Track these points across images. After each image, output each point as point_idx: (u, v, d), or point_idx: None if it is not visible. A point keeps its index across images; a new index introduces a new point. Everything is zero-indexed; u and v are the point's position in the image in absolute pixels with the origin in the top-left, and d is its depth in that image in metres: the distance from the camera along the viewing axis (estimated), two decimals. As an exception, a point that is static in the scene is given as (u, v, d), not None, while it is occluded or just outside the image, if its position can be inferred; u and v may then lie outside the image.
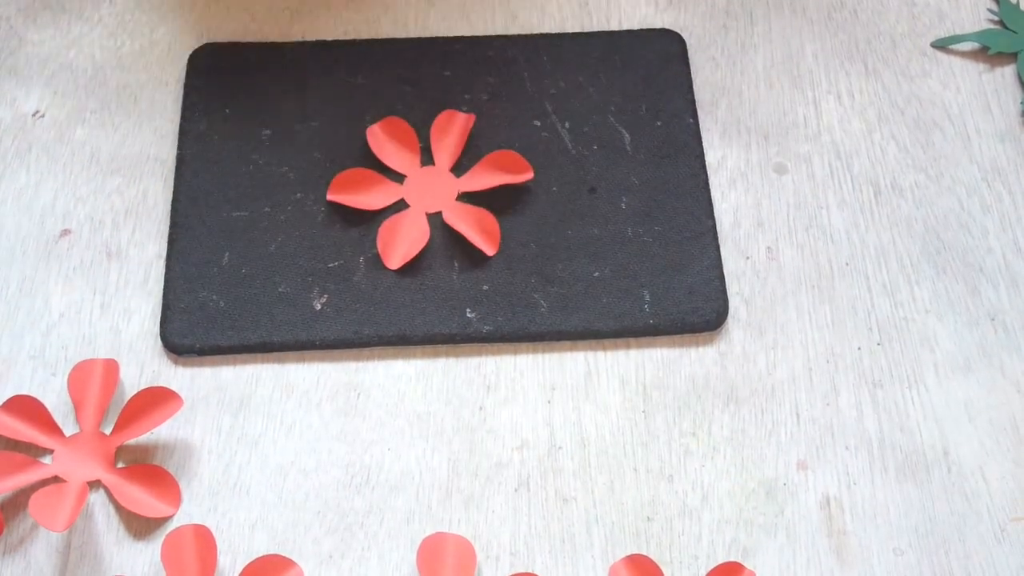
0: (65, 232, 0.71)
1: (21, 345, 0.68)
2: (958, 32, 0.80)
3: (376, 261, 0.70)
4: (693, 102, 0.76)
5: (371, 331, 0.68)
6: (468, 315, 0.68)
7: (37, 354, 0.67)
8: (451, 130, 0.73)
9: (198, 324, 0.68)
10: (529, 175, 0.71)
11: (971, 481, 0.64)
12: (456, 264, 0.70)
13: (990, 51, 0.79)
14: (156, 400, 0.64)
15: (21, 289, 0.69)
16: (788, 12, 0.81)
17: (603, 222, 0.72)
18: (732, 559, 0.62)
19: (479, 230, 0.70)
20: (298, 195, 0.72)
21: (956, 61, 0.79)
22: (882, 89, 0.78)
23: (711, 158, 0.75)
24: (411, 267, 0.70)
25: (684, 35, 0.79)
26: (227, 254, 0.70)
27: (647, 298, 0.69)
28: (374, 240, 0.70)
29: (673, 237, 0.71)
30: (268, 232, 0.71)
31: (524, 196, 0.72)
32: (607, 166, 0.74)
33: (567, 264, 0.70)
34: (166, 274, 0.69)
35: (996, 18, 0.81)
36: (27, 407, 0.64)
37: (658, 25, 0.80)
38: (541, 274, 0.70)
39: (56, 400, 0.66)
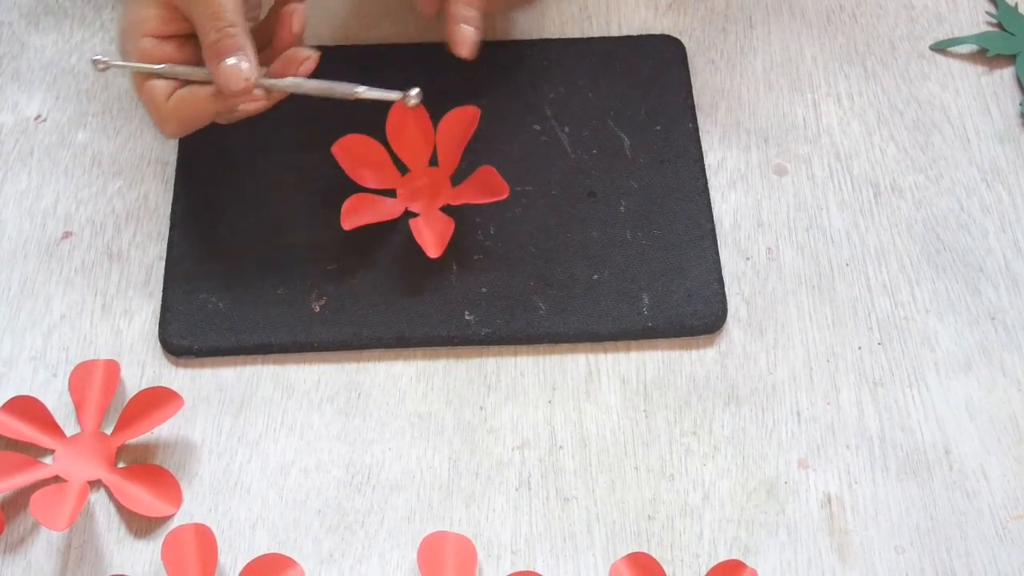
0: (67, 234, 0.72)
1: (22, 346, 0.68)
2: (956, 35, 0.80)
3: (374, 264, 0.70)
4: (692, 107, 0.76)
5: (369, 333, 0.68)
6: (466, 317, 0.68)
7: (38, 355, 0.67)
8: (456, 131, 0.72)
9: (196, 325, 0.68)
10: (504, 195, 0.69)
11: (972, 479, 0.64)
12: (454, 266, 0.70)
13: (989, 53, 0.79)
14: (157, 400, 0.64)
15: (23, 291, 0.70)
16: (787, 15, 0.81)
17: (602, 226, 0.72)
18: (733, 557, 0.62)
19: (431, 233, 0.69)
20: (297, 198, 0.72)
21: (955, 63, 0.79)
22: (881, 92, 0.78)
23: (711, 160, 0.75)
24: (409, 269, 0.70)
25: (684, 39, 0.80)
26: (226, 256, 0.70)
27: (646, 301, 0.69)
28: (372, 242, 0.70)
29: (672, 241, 0.71)
30: (267, 235, 0.71)
31: (524, 199, 0.72)
32: (606, 170, 0.74)
33: (566, 267, 0.70)
34: (165, 275, 0.69)
35: (994, 20, 0.81)
36: (28, 407, 0.64)
37: (657, 29, 0.80)
38: (540, 277, 0.70)
39: (57, 401, 0.66)
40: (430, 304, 0.69)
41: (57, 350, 0.68)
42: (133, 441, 0.65)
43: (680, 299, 0.69)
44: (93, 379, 0.66)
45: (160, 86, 0.64)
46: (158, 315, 0.68)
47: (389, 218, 0.70)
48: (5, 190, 0.73)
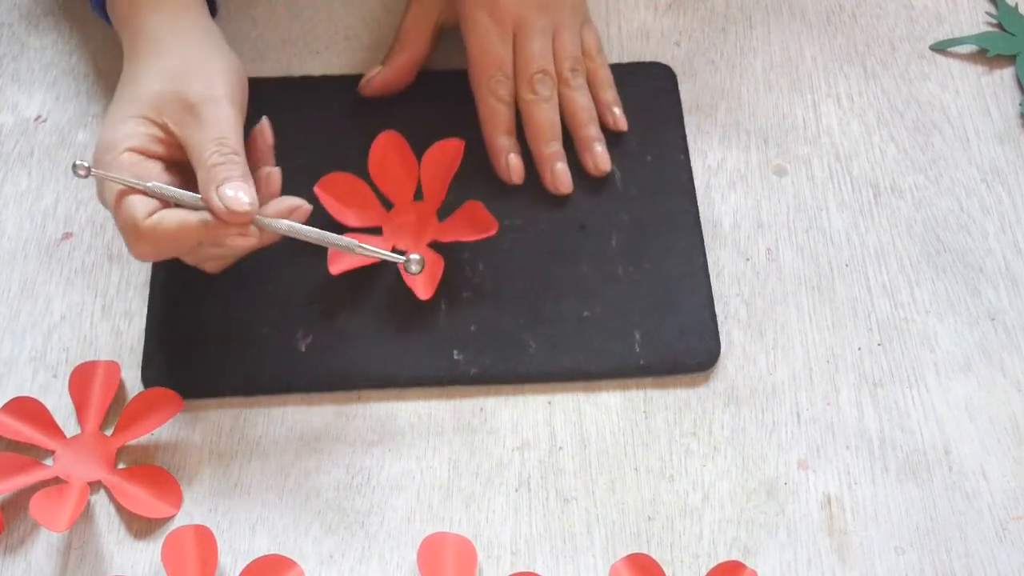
0: (67, 235, 0.72)
1: (23, 347, 0.68)
2: (956, 35, 0.80)
3: (360, 301, 0.68)
4: (684, 137, 0.75)
5: (356, 373, 0.66)
6: (455, 357, 0.67)
7: (38, 356, 0.67)
8: (440, 165, 0.71)
9: (180, 366, 0.66)
10: (492, 231, 0.68)
11: (972, 480, 0.64)
12: (443, 304, 0.68)
13: (989, 54, 0.79)
14: (157, 401, 0.64)
15: (23, 291, 0.69)
16: (787, 16, 0.81)
17: (593, 260, 0.70)
18: (733, 558, 0.62)
19: (422, 275, 0.68)
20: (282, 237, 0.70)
21: (955, 64, 0.79)
22: (881, 92, 0.78)
23: (711, 160, 0.75)
24: (396, 307, 0.68)
25: (683, 39, 0.80)
26: (210, 294, 0.68)
27: (638, 338, 0.67)
28: (358, 279, 0.68)
29: (664, 275, 0.69)
30: (251, 272, 0.69)
31: (513, 234, 0.71)
32: (597, 203, 0.72)
33: (556, 303, 0.69)
34: (147, 315, 0.68)
35: (994, 21, 0.81)
36: (28, 409, 0.64)
37: (657, 30, 0.80)
38: (530, 313, 0.68)
39: (57, 402, 0.66)
40: (418, 343, 0.67)
41: (57, 351, 0.68)
42: (133, 442, 0.65)
43: (673, 336, 0.67)
44: (93, 380, 0.66)
45: (141, 203, 0.60)
46: (158, 317, 0.68)
47: (376, 260, 0.68)
48: (5, 191, 0.73)
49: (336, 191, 0.70)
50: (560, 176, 0.72)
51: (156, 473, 0.64)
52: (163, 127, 0.62)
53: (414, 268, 0.62)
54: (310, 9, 0.81)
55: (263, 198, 0.62)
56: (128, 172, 0.60)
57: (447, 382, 0.66)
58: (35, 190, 0.73)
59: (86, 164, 0.60)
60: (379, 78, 0.75)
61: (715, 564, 0.61)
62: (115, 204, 0.60)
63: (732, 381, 0.67)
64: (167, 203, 0.61)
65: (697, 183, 0.74)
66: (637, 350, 0.67)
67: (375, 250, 0.62)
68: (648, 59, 0.79)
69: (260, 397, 0.66)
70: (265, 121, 0.65)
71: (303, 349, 0.67)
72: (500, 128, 0.72)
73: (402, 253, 0.62)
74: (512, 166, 0.72)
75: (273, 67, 0.78)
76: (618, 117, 0.74)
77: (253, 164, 0.63)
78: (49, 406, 0.65)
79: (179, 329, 0.67)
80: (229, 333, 0.67)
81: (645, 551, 0.62)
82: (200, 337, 0.67)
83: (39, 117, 0.76)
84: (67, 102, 0.77)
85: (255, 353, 0.67)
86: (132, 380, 0.67)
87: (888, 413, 0.66)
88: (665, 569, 0.61)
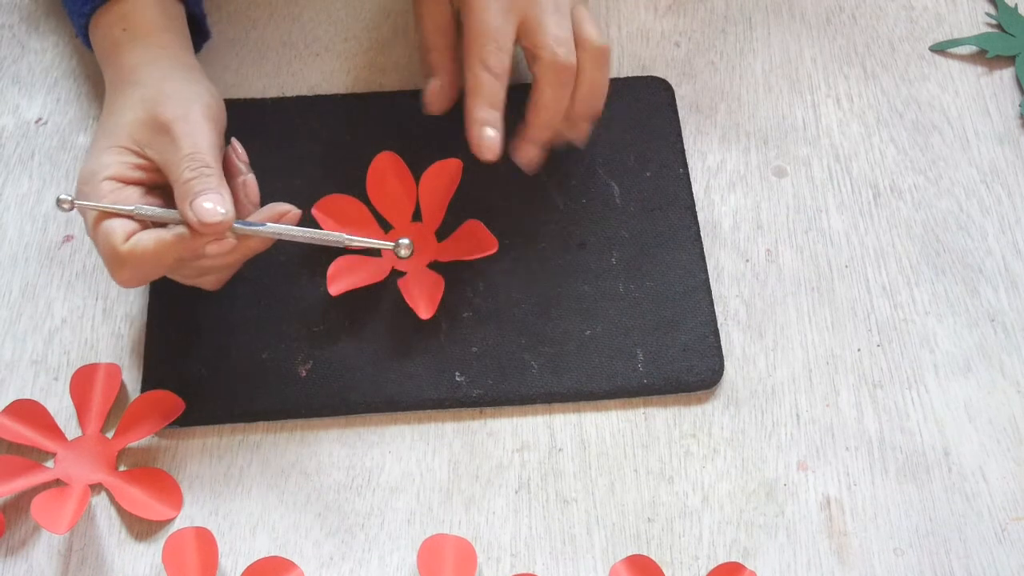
0: (68, 238, 0.72)
1: (24, 350, 0.68)
2: (956, 36, 0.80)
3: (360, 325, 0.68)
4: (683, 151, 0.74)
5: (358, 398, 0.66)
6: (457, 379, 0.66)
7: (40, 359, 0.68)
8: (439, 185, 0.70)
9: (179, 395, 0.65)
10: (493, 250, 0.68)
11: (971, 481, 0.64)
12: (443, 325, 0.68)
13: (988, 54, 0.79)
14: (157, 403, 0.65)
15: (24, 294, 0.70)
16: (787, 17, 0.81)
17: (594, 278, 0.70)
18: (733, 559, 0.62)
19: (421, 293, 0.68)
20: (281, 258, 0.69)
21: (954, 64, 0.79)
22: (881, 93, 0.78)
23: (711, 161, 0.75)
24: (397, 330, 0.68)
25: (683, 40, 0.80)
26: (208, 320, 0.68)
27: (640, 357, 0.67)
28: (358, 302, 0.68)
29: (665, 292, 0.69)
30: (250, 297, 0.69)
31: (513, 253, 0.70)
32: (596, 220, 0.72)
33: (558, 323, 0.68)
34: (146, 342, 0.67)
35: (994, 21, 0.81)
36: (29, 411, 0.64)
37: (657, 30, 0.80)
38: (531, 334, 0.68)
39: (58, 404, 0.66)
40: (420, 366, 0.67)
41: (58, 354, 0.68)
42: (134, 444, 0.65)
43: (675, 354, 0.67)
44: (94, 383, 0.66)
45: (118, 227, 0.60)
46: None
47: (375, 280, 0.68)
48: (6, 194, 0.73)
49: (334, 213, 0.70)
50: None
51: (157, 475, 0.64)
52: (140, 154, 0.62)
53: (403, 252, 0.62)
54: (310, 11, 0.81)
55: (242, 206, 0.63)
56: (107, 199, 0.61)
57: (449, 405, 0.66)
58: (36, 193, 0.73)
59: (69, 197, 0.61)
60: (442, 94, 0.71)
61: (715, 566, 0.61)
62: (93, 232, 0.61)
63: (732, 382, 0.67)
64: (148, 226, 0.61)
65: (697, 185, 0.74)
66: (640, 369, 0.67)
67: (366, 240, 0.63)
68: (648, 60, 0.79)
69: (253, 435, 0.66)
70: (234, 140, 0.65)
71: (303, 375, 0.66)
72: (482, 99, 0.66)
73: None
74: (485, 139, 0.65)
75: (273, 68, 0.78)
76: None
77: (228, 176, 0.63)
78: (50, 408, 0.65)
79: (177, 357, 0.67)
80: (229, 359, 0.67)
81: (645, 553, 0.62)
82: (199, 364, 0.67)
83: (40, 119, 0.76)
84: (68, 104, 0.77)
85: (254, 381, 0.66)
86: (133, 382, 0.67)
87: (888, 414, 0.66)
88: (665, 570, 0.61)
